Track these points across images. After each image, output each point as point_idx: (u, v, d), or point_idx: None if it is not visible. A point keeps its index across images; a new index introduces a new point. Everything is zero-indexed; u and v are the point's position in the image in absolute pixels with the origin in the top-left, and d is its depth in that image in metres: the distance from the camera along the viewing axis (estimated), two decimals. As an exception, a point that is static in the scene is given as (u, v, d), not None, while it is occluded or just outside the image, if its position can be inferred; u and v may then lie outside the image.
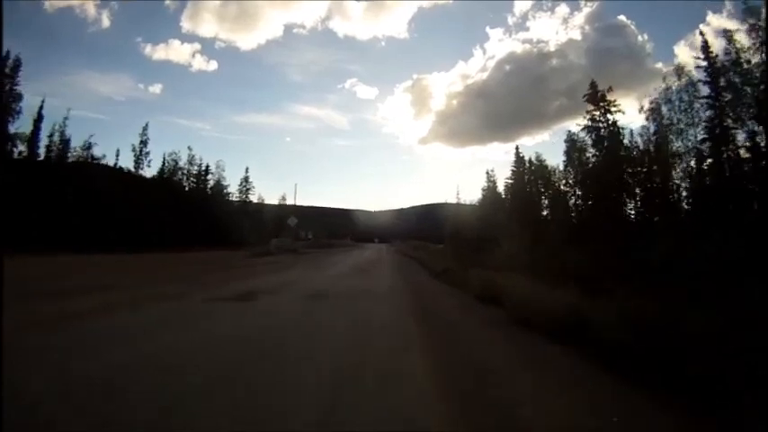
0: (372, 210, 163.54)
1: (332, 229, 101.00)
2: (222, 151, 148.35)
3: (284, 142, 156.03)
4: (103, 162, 42.00)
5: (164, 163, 48.70)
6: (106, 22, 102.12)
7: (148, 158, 43.68)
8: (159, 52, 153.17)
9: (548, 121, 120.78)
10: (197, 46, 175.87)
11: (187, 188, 50.25)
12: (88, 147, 40.73)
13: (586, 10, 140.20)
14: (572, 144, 40.07)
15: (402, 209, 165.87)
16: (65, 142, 39.54)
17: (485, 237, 41.17)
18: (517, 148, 48.68)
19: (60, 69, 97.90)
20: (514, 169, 49.81)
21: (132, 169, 42.90)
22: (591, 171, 35.96)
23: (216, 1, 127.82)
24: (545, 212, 46.58)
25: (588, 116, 35.17)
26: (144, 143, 43.43)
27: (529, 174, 48.88)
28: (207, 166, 53.78)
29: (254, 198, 63.79)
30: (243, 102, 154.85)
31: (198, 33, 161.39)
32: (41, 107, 37.71)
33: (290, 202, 69.25)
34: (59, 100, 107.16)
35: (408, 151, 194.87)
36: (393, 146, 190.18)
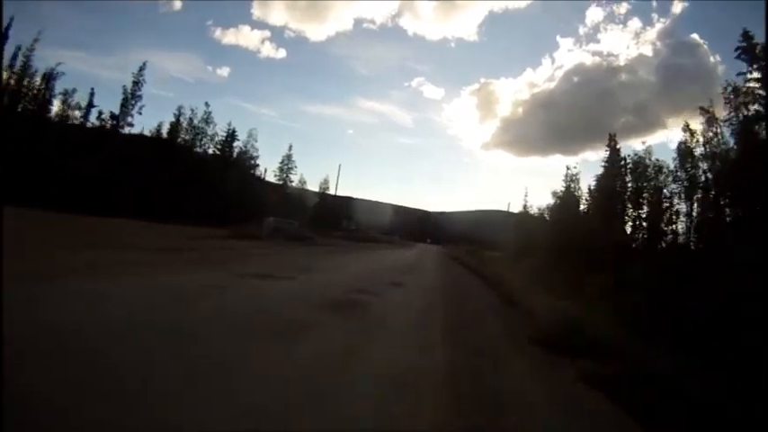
0: (428, 209, 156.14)
1: (384, 223, 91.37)
2: (285, 138, 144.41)
3: (346, 134, 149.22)
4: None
5: (177, 119, 38.58)
6: (178, 5, 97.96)
7: (139, 105, 33.68)
8: (229, 37, 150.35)
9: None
10: (267, 33, 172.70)
11: (200, 151, 39.75)
12: (52, 77, 31.37)
13: (659, 26, 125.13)
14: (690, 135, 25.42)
15: (457, 212, 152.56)
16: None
17: (567, 251, 28.03)
18: (612, 136, 33.31)
19: (129, 46, 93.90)
20: (607, 165, 34.59)
21: (115, 116, 32.93)
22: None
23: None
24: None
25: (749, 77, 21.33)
26: (137, 84, 33.22)
27: (623, 174, 33.73)
28: (233, 131, 43.32)
29: (295, 180, 53.73)
30: (309, 91, 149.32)
31: (268, 21, 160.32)
32: (9, 27, 28.80)
33: (332, 185, 59.06)
34: (126, 75, 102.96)
35: (470, 155, 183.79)
36: (455, 148, 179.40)
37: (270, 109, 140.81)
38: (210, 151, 41.57)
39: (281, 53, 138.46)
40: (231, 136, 43.65)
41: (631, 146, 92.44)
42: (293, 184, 54.12)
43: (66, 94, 32.58)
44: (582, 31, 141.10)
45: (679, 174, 26.08)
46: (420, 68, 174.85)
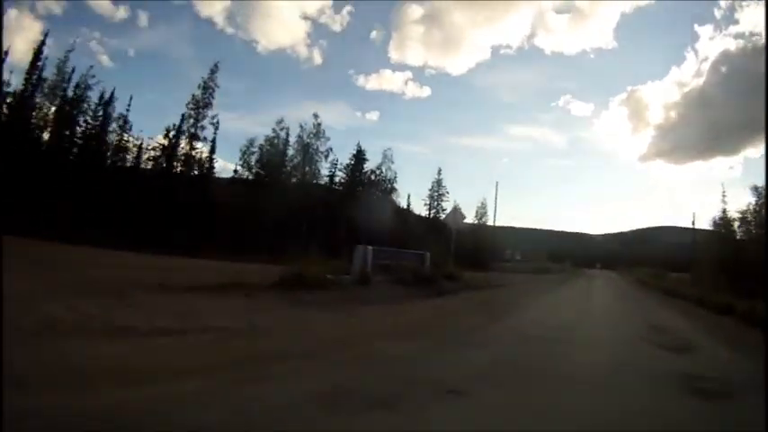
0: (591, 233, 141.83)
1: (551, 252, 77.35)
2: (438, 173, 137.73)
3: (500, 164, 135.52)
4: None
5: (287, 139, 30.79)
6: (318, 59, 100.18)
7: (211, 115, 26.41)
8: (372, 82, 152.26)
9: (774, 129, 78.20)
10: (408, 74, 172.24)
11: (308, 170, 30.83)
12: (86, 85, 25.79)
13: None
14: None
15: (621, 232, 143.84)
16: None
17: None
18: None
19: (279, 103, 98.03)
20: None
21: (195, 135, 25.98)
22: None
23: (420, 29, 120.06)
24: None
25: None
26: (207, 91, 26.02)
27: None
28: (359, 150, 34.33)
29: (448, 208, 43.52)
30: (457, 124, 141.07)
31: (407, 62, 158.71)
32: (44, 40, 25.38)
33: (489, 211, 46.67)
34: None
35: (628, 169, 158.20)
36: (611, 164, 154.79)
37: (421, 146, 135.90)
38: (326, 173, 33.07)
39: (426, 91, 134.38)
40: (359, 157, 34.53)
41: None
42: (446, 213, 43.20)
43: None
44: (718, 13, 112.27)
45: None
46: (564, 86, 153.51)
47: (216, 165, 28.28)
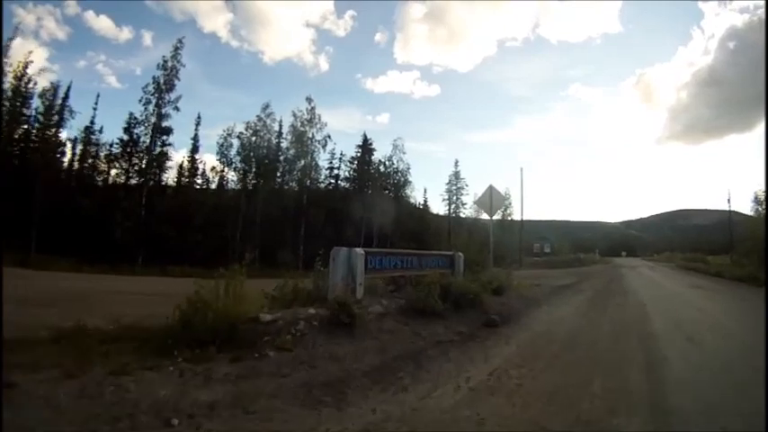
0: (610, 221, 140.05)
1: (575, 243, 73.34)
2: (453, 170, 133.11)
3: (515, 156, 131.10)
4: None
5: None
6: (325, 66, 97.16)
7: (176, 97, 21.38)
8: (380, 85, 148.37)
9: (789, 100, 72.78)
10: (416, 73, 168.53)
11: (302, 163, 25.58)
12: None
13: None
14: None
15: (641, 218, 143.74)
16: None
17: None
18: None
19: (289, 111, 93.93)
20: None
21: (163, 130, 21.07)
22: None
23: (423, 27, 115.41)
24: None
25: None
26: (169, 71, 20.85)
27: None
28: (365, 140, 29.00)
29: (469, 203, 38.34)
30: (469, 120, 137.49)
31: (413, 62, 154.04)
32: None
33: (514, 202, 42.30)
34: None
35: (643, 154, 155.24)
36: (626, 150, 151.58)
37: (433, 144, 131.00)
38: (325, 164, 27.86)
39: (435, 89, 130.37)
40: (366, 147, 29.14)
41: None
42: (467, 210, 38.27)
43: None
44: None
45: None
46: (573, 74, 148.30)
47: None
